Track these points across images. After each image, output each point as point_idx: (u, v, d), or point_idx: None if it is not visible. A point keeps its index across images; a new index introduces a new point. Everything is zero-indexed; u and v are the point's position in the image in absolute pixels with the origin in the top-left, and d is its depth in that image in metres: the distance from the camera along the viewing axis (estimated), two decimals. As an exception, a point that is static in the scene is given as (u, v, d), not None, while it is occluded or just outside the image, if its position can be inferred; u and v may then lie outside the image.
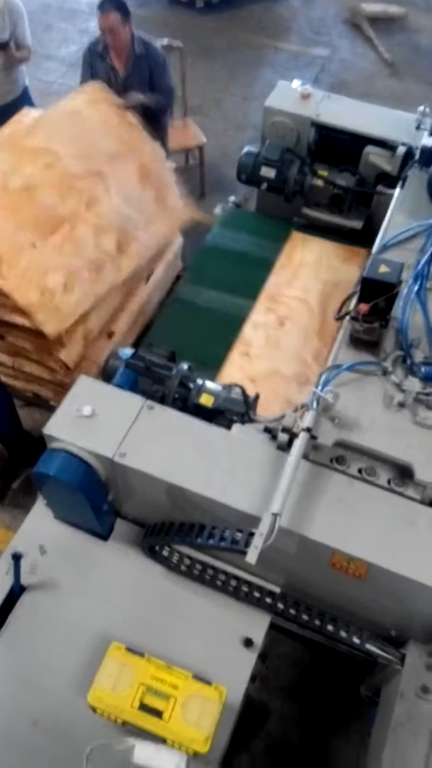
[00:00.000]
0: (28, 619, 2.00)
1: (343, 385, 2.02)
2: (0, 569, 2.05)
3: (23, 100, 4.20)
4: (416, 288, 2.25)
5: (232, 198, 3.81)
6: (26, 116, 3.58)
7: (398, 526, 1.79)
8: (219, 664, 1.89)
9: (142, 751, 1.74)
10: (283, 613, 1.99)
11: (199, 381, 2.30)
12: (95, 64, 3.83)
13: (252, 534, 1.67)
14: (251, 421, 2.13)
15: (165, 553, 2.04)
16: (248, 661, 1.94)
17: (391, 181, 3.09)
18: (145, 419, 1.99)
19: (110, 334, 3.43)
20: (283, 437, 1.91)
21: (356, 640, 1.91)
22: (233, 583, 2.01)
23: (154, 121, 3.70)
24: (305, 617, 1.95)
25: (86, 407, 1.97)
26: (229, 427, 2.05)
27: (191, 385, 2.27)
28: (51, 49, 6.07)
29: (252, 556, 1.62)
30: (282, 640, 2.34)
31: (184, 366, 2.31)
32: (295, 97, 3.36)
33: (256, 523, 1.69)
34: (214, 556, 2.03)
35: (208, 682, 1.76)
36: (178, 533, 1.92)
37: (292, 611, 1.96)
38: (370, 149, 3.20)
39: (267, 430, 1.99)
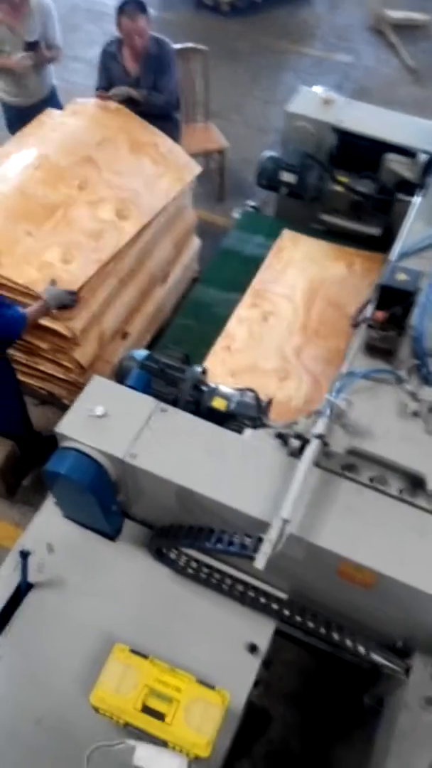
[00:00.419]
0: (34, 617, 2.01)
1: (357, 393, 2.01)
2: (8, 566, 2.07)
3: (51, 100, 4.22)
4: (434, 297, 2.23)
5: (250, 202, 3.81)
6: (49, 117, 3.64)
7: (408, 536, 1.77)
8: (223, 668, 1.88)
9: (143, 753, 1.74)
10: (289, 619, 1.98)
11: (212, 384, 2.30)
12: (109, 65, 3.82)
13: (261, 539, 1.67)
14: (263, 426, 2.12)
15: (172, 555, 2.04)
16: (252, 666, 1.93)
17: (410, 188, 3.08)
18: (157, 421, 1.99)
19: (125, 335, 3.45)
20: (294, 443, 1.91)
21: (361, 650, 1.89)
22: (240, 587, 2.00)
23: (159, 122, 3.70)
24: (311, 624, 1.94)
25: (99, 407, 1.98)
26: (240, 431, 2.05)
27: (204, 389, 2.27)
28: (77, 50, 6.12)
29: (260, 562, 1.62)
30: (286, 647, 2.33)
31: (198, 369, 2.31)
32: (317, 102, 3.36)
33: (264, 529, 1.68)
34: (221, 560, 2.02)
35: (212, 687, 1.76)
36: (187, 536, 1.92)
37: (298, 618, 1.95)
38: (390, 156, 3.19)
39: (279, 435, 1.98)
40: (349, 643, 1.90)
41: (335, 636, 1.91)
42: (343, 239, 3.46)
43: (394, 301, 2.04)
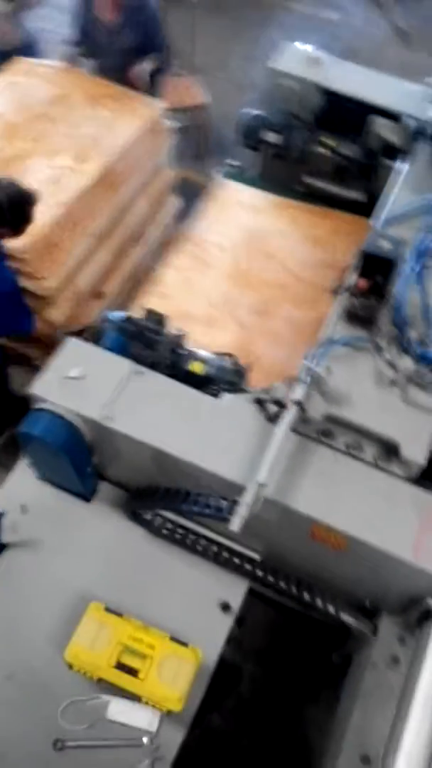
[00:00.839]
0: (7, 577, 2.01)
1: (336, 360, 2.02)
2: (-19, 526, 2.06)
3: (31, 46, 4.03)
4: (416, 266, 2.23)
5: (233, 162, 3.72)
6: (24, 64, 3.50)
7: (380, 502, 1.81)
8: (196, 626, 1.92)
9: (117, 707, 1.78)
10: (262, 579, 2.01)
11: (191, 348, 2.28)
12: (82, 11, 3.66)
13: (236, 502, 1.68)
14: (242, 390, 2.12)
15: (147, 516, 2.05)
16: (225, 624, 1.97)
17: (395, 153, 3.03)
18: (134, 384, 1.97)
19: (100, 295, 3.38)
20: (272, 408, 1.91)
21: (331, 609, 1.95)
22: (214, 548, 2.03)
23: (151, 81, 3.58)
24: (283, 584, 1.98)
25: (74, 369, 1.95)
26: (218, 395, 2.04)
27: (182, 352, 2.25)
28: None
29: (236, 524, 1.63)
30: (258, 606, 2.38)
31: (176, 332, 2.29)
32: (302, 60, 3.26)
33: (240, 492, 1.70)
34: (195, 521, 2.04)
35: (185, 644, 1.79)
36: (163, 499, 1.93)
37: (271, 578, 1.99)
38: (376, 119, 3.12)
39: (257, 400, 1.98)
40: (319, 603, 1.95)
41: (306, 596, 1.96)
42: (325, 203, 3.41)
43: (376, 269, 2.03)
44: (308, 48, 3.31)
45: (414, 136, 2.94)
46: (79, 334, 2.21)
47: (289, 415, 1.83)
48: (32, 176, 3.00)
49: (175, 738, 1.78)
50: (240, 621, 2.05)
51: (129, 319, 2.30)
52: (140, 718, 1.77)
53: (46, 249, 2.90)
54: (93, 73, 3.70)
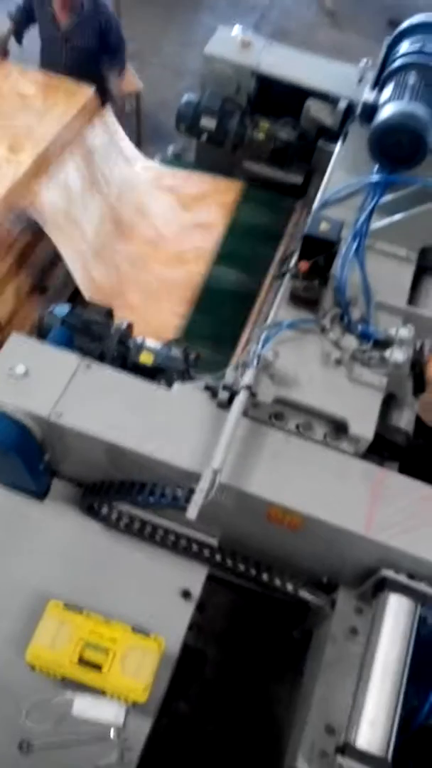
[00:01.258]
0: (-38, 580, 1.96)
1: (282, 343, 2.04)
2: None
3: None
4: (355, 246, 2.27)
5: (171, 148, 3.69)
6: None
7: (331, 479, 1.85)
8: (158, 615, 1.92)
9: (82, 703, 1.77)
10: (221, 564, 2.03)
11: (138, 339, 2.27)
12: (36, 6, 3.57)
13: (192, 490, 1.68)
14: (191, 379, 2.12)
15: (103, 510, 2.03)
16: (186, 611, 1.98)
17: (332, 135, 3.07)
18: (83, 378, 1.94)
19: (43, 290, 3.31)
20: (223, 395, 1.92)
21: (290, 587, 1.99)
22: (172, 537, 2.03)
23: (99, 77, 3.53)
24: (242, 567, 2.01)
25: (19, 366, 1.91)
26: (170, 385, 2.04)
27: (130, 344, 2.23)
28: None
29: (192, 512, 1.64)
30: (218, 590, 2.41)
31: (123, 323, 2.26)
32: (235, 44, 3.25)
33: (195, 480, 1.70)
34: (152, 512, 2.03)
35: (147, 634, 1.80)
36: (119, 492, 1.92)
37: (229, 562, 2.01)
38: (311, 102, 3.15)
39: (207, 388, 1.98)
40: (278, 582, 1.99)
41: (265, 577, 1.99)
42: (266, 187, 3.43)
43: (317, 251, 2.06)
44: (241, 32, 3.30)
45: (345, 116, 2.97)
46: None
47: (240, 401, 1.84)
48: None
49: (142, 728, 1.78)
50: (201, 607, 2.06)
51: (74, 313, 2.26)
52: (106, 712, 1.76)
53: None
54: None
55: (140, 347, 2.23)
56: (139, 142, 4.85)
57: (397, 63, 2.45)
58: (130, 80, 4.59)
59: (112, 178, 3.30)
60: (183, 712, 2.56)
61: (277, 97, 3.26)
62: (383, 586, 1.80)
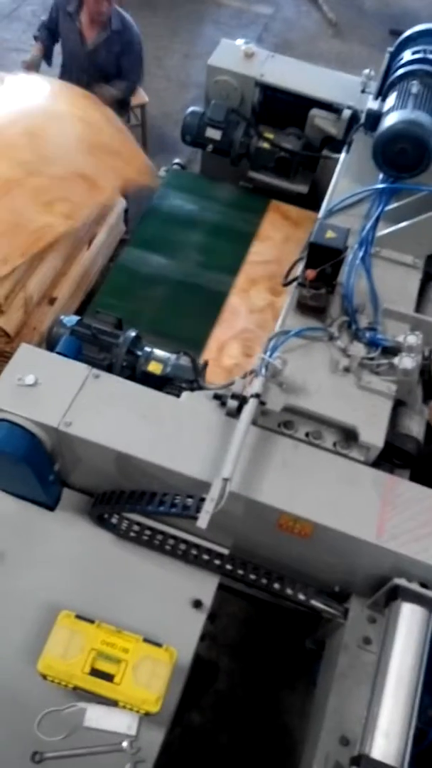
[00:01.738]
0: (-27, 592, 1.97)
1: (290, 351, 2.04)
2: None
3: None
4: (361, 254, 2.28)
5: (176, 160, 3.72)
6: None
7: (342, 487, 1.84)
8: (169, 626, 1.92)
9: (94, 713, 1.77)
10: (232, 573, 2.03)
11: (147, 349, 2.28)
12: (61, 20, 3.58)
13: (203, 499, 1.69)
14: (200, 388, 2.12)
15: (114, 520, 2.03)
16: (198, 621, 1.98)
17: (336, 144, 3.08)
18: (91, 388, 1.95)
19: (52, 301, 3.33)
20: (232, 403, 1.92)
21: (302, 597, 1.97)
22: (182, 546, 2.03)
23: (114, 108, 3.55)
24: (253, 577, 2.00)
25: (29, 376, 1.92)
26: (178, 395, 2.04)
27: (139, 353, 2.24)
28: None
29: (203, 521, 1.64)
30: (230, 600, 2.40)
31: (132, 333, 2.27)
32: (238, 56, 3.28)
33: (205, 489, 1.70)
34: (162, 521, 2.03)
35: (159, 645, 1.79)
36: (129, 501, 1.92)
37: (240, 571, 2.01)
38: (315, 112, 3.18)
39: (216, 396, 1.99)
40: (289, 591, 1.98)
41: (276, 586, 1.98)
42: (272, 197, 3.44)
43: (323, 259, 2.06)
44: (243, 43, 3.33)
45: (350, 125, 2.99)
46: None
47: (249, 409, 1.84)
48: None
49: (155, 739, 1.78)
50: (212, 617, 2.06)
51: (82, 323, 2.27)
52: (119, 722, 1.76)
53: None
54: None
55: (149, 357, 2.24)
56: (146, 154, 4.90)
57: (400, 72, 2.46)
58: (137, 93, 4.64)
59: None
60: (195, 723, 2.55)
61: (282, 108, 3.28)
62: (396, 595, 1.79)
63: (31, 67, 3.57)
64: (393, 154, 2.25)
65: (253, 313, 2.95)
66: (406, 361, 1.96)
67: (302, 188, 3.44)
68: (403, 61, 2.50)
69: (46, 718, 1.77)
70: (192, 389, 2.10)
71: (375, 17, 6.54)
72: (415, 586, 1.76)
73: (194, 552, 2.03)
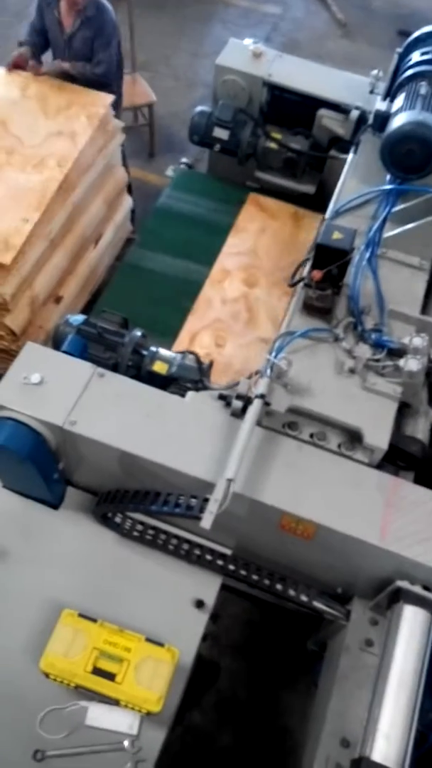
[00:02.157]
0: (-23, 589, 1.97)
1: (295, 352, 2.04)
2: None
3: None
4: (368, 255, 2.27)
5: (184, 159, 3.72)
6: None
7: (345, 489, 1.84)
8: (172, 625, 1.92)
9: (95, 712, 1.77)
10: (234, 573, 2.03)
11: (153, 348, 2.28)
12: (45, 11, 3.61)
13: (206, 500, 1.69)
14: (205, 388, 2.12)
15: (117, 519, 2.04)
16: (200, 621, 1.98)
17: (344, 145, 3.07)
18: (96, 386, 1.96)
19: (58, 299, 3.34)
20: (237, 404, 1.92)
21: (304, 598, 1.97)
22: (185, 546, 2.03)
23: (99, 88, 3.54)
24: (255, 577, 2.00)
25: (34, 374, 1.92)
26: (183, 394, 2.04)
27: (144, 353, 2.24)
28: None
29: (207, 522, 1.64)
30: (232, 600, 2.40)
31: (138, 333, 2.28)
32: (246, 55, 3.27)
33: (209, 489, 1.70)
34: (166, 521, 2.04)
35: (161, 644, 1.79)
36: (133, 500, 1.92)
37: (243, 572, 2.00)
38: (323, 112, 3.17)
39: (221, 397, 1.99)
40: (292, 593, 1.97)
41: (279, 587, 1.98)
42: (278, 197, 3.44)
43: (330, 260, 2.06)
44: (251, 42, 3.32)
45: (357, 126, 2.98)
46: None
47: (254, 410, 1.84)
48: None
49: (156, 739, 1.78)
50: (215, 617, 2.06)
51: (88, 322, 2.27)
52: (120, 721, 1.76)
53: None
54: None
55: (154, 356, 2.24)
56: (152, 153, 4.92)
57: (409, 72, 2.46)
58: (144, 92, 4.65)
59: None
60: (197, 723, 2.55)
61: (289, 108, 3.27)
62: (398, 597, 1.78)
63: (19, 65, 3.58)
64: (401, 155, 2.25)
65: (226, 304, 2.96)
66: (412, 363, 1.95)
67: (309, 188, 3.43)
68: (411, 62, 2.49)
69: (47, 717, 1.78)
70: (197, 389, 2.10)
71: (384, 18, 6.52)
72: (417, 589, 1.76)
73: (197, 552, 2.03)
